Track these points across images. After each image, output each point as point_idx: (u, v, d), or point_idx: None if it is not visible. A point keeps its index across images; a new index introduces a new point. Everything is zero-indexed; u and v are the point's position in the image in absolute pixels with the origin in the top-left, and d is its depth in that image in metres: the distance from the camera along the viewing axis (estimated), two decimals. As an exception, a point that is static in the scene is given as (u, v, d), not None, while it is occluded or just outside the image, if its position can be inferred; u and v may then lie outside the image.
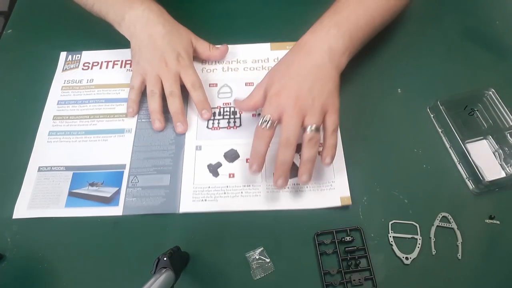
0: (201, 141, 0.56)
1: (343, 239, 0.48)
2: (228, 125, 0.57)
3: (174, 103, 0.56)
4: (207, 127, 0.57)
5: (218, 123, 0.57)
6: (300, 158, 0.48)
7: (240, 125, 0.57)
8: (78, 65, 0.64)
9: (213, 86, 0.61)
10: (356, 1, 0.54)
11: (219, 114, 0.58)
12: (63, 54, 0.65)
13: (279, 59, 0.62)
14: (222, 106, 0.59)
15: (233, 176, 0.53)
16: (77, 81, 0.62)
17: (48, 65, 0.64)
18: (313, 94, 0.48)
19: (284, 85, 0.49)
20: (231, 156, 0.54)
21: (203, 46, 0.61)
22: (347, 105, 0.58)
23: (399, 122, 0.57)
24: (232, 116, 0.58)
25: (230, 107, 0.59)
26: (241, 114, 0.58)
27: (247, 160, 0.53)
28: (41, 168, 0.54)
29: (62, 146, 0.56)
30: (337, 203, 0.51)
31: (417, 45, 0.64)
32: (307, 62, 0.50)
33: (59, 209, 0.51)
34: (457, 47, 0.64)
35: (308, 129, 0.47)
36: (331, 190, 0.52)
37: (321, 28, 0.52)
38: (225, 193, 0.52)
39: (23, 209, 0.51)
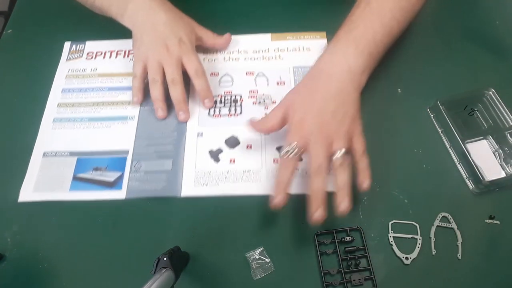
0: (203, 127, 0.57)
1: (343, 239, 0.48)
2: (229, 112, 0.58)
3: (176, 91, 0.56)
4: (209, 114, 0.58)
5: (219, 110, 0.59)
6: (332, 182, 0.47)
7: (241, 112, 0.58)
8: (82, 55, 0.65)
9: (214, 75, 0.62)
10: (371, 12, 0.52)
11: (220, 102, 0.59)
12: (67, 44, 0.66)
13: (279, 49, 0.63)
14: (223, 94, 0.60)
15: (234, 162, 0.54)
16: (81, 70, 0.63)
17: (52, 55, 0.65)
18: (337, 119, 0.47)
19: (306, 112, 0.48)
20: (232, 142, 0.55)
21: (207, 35, 0.62)
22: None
23: (399, 122, 0.57)
24: (233, 104, 0.59)
25: (231, 96, 0.60)
26: (242, 102, 0.59)
27: (248, 146, 0.55)
28: (46, 154, 0.55)
29: (67, 132, 0.57)
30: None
31: (417, 45, 0.64)
32: (328, 87, 0.49)
33: (64, 192, 0.52)
34: (457, 47, 0.64)
35: (338, 154, 0.46)
36: (330, 176, 0.52)
37: (338, 48, 0.51)
38: (226, 178, 0.53)
39: (28, 192, 0.52)
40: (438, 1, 0.68)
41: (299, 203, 0.51)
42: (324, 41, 0.64)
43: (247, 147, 0.55)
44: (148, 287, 0.36)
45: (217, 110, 0.59)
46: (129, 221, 0.51)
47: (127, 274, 0.48)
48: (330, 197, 0.52)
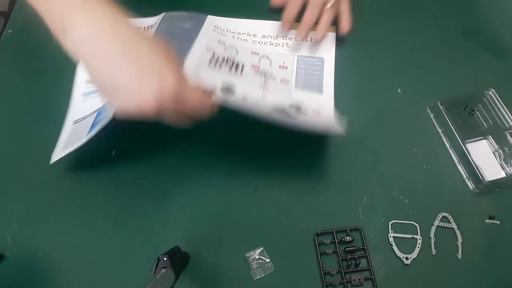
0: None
1: (343, 239, 0.48)
2: (230, 70, 0.59)
3: None
4: (210, 63, 0.59)
5: (220, 66, 0.59)
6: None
7: (241, 75, 0.58)
8: None
9: (220, 42, 0.63)
10: None
11: (223, 60, 0.60)
12: None
13: (288, 38, 0.66)
14: (227, 56, 0.61)
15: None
16: None
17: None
18: None
19: None
20: (227, 92, 0.54)
21: None
22: (347, 105, 0.58)
23: (399, 122, 0.57)
24: (234, 67, 0.59)
25: (233, 61, 0.60)
26: (243, 69, 0.59)
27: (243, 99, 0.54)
28: (76, 121, 0.57)
29: (97, 102, 0.57)
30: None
31: (417, 45, 0.64)
32: None
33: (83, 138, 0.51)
34: (457, 47, 0.63)
35: None
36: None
37: None
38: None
39: (58, 152, 0.53)
40: (438, 1, 0.68)
41: (299, 203, 0.51)
42: (333, 34, 0.64)
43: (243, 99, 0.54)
44: (148, 287, 0.36)
45: (217, 65, 0.59)
46: (129, 222, 0.51)
47: (127, 274, 0.48)
48: (326, 198, 0.52)
